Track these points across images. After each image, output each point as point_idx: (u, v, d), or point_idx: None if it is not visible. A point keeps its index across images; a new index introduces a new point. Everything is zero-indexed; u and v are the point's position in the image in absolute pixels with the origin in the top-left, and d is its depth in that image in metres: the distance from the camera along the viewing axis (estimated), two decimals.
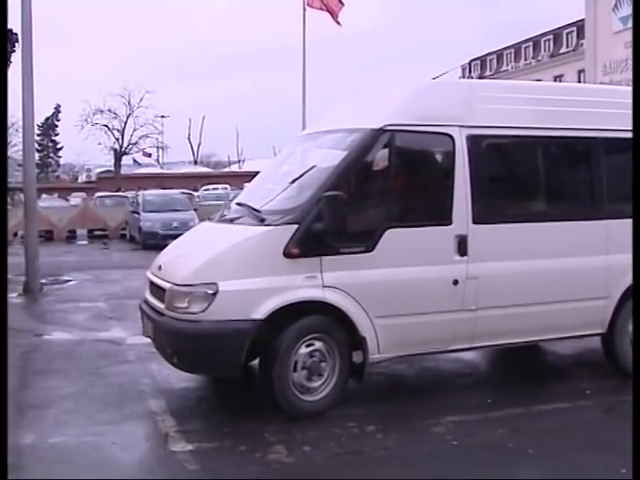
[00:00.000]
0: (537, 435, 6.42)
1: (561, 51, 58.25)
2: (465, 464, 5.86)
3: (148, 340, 7.81)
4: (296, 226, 6.69)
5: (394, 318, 6.98)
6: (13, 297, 14.49)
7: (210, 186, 44.77)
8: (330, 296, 6.73)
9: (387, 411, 7.09)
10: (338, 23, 32.88)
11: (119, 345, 9.98)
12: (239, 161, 73.15)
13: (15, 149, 42.49)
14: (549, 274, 7.54)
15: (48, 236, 28.78)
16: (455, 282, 7.19)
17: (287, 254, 6.65)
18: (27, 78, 14.79)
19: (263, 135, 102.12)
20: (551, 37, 60.19)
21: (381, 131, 7.04)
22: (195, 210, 27.29)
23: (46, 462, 5.98)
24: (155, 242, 21.69)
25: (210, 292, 6.56)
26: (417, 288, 7.06)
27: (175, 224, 23.53)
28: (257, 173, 9.05)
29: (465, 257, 7.22)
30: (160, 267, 7.52)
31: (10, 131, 46.24)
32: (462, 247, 7.20)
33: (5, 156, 5.41)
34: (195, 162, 76.04)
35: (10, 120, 43.53)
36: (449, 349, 7.50)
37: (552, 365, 9.14)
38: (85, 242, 30.00)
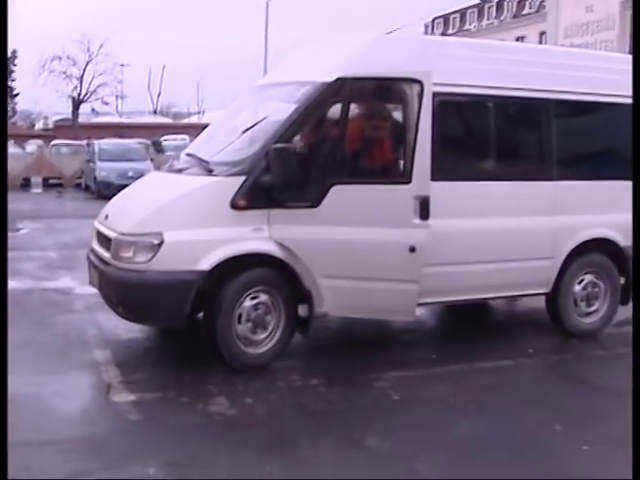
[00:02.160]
0: (478, 391, 6.52)
1: (524, 12, 58.16)
2: (405, 419, 5.93)
3: (96, 290, 7.76)
4: (244, 177, 6.62)
5: (339, 280, 6.87)
6: None
7: (169, 137, 44.33)
8: (276, 249, 6.71)
9: (331, 365, 7.14)
10: None
11: (67, 295, 9.92)
12: (199, 112, 72.41)
13: None
14: (498, 233, 7.57)
15: None
16: (412, 249, 6.89)
17: (234, 206, 6.60)
18: None
19: (224, 87, 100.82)
20: None
21: (332, 84, 6.92)
22: (152, 160, 27.01)
23: None
24: (110, 192, 21.02)
25: (155, 242, 6.51)
26: (365, 252, 6.87)
27: (131, 174, 23.16)
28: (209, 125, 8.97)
29: (426, 221, 6.91)
30: (107, 216, 7.46)
31: None
32: (423, 210, 6.91)
33: (5, 148, 5.34)
34: (155, 112, 75.11)
35: None
36: (399, 318, 7.51)
37: (497, 324, 9.25)
38: (40, 190, 29.57)
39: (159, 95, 76.87)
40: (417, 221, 6.89)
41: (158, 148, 35.80)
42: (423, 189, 6.92)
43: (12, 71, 73.60)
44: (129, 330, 7.92)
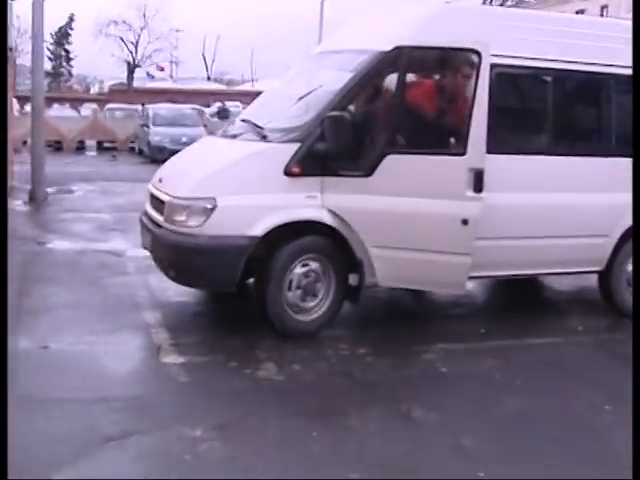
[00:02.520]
0: (526, 367, 6.46)
1: None
2: (452, 392, 5.91)
3: (148, 253, 7.83)
4: (298, 144, 6.61)
5: (390, 250, 6.83)
6: (19, 204, 14.55)
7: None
8: (328, 217, 6.70)
9: (380, 335, 7.13)
10: None
11: (119, 257, 10.01)
12: (252, 80, 72.44)
13: (28, 56, 42.14)
14: (553, 208, 7.46)
15: (57, 146, 28.64)
16: (464, 222, 6.74)
17: (288, 172, 6.60)
18: None
19: (279, 55, 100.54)
20: None
21: (390, 53, 6.84)
22: (205, 126, 27.09)
23: (38, 368, 6.04)
24: (163, 156, 21.09)
25: (208, 206, 6.54)
26: (417, 223, 6.80)
27: (184, 139, 23.21)
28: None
29: (480, 194, 6.76)
30: (161, 180, 7.50)
31: (23, 38, 45.84)
32: (477, 183, 6.76)
33: (5, 147, 5.37)
34: (208, 78, 75.26)
35: (23, 27, 43.16)
36: (450, 291, 7.44)
37: (548, 300, 9.15)
38: (94, 153, 29.90)
39: (213, 62, 77.03)
40: (470, 194, 6.75)
41: (223, 115, 35.51)
42: (478, 161, 6.78)
43: (69, 35, 74.30)
44: (179, 293, 7.98)
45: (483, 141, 6.83)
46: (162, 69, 68.29)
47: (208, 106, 41.41)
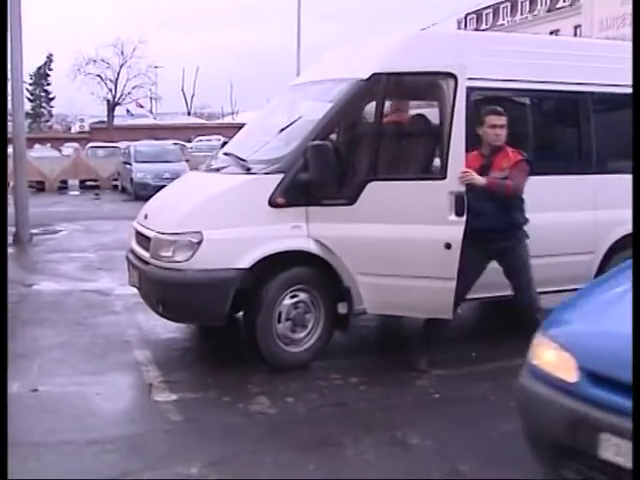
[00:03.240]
0: None
1: (558, 5, 57.76)
2: (447, 417, 5.88)
3: (135, 291, 7.81)
4: (282, 175, 6.63)
5: (376, 277, 6.80)
6: None
7: (203, 137, 44.58)
8: (314, 247, 6.69)
9: (371, 363, 7.12)
10: None
11: (107, 296, 9.98)
12: (233, 113, 72.79)
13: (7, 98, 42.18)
14: (538, 228, 7.45)
15: (40, 187, 28.65)
16: (448, 246, 6.57)
17: (273, 203, 6.60)
18: (15, 24, 14.61)
19: (257, 87, 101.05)
20: None
21: (368, 81, 6.90)
22: (187, 161, 27.15)
23: (31, 411, 5.99)
24: (147, 193, 21.16)
25: (195, 241, 6.53)
26: (401, 248, 6.73)
27: (167, 175, 23.32)
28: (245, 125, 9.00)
29: (462, 217, 6.62)
30: (146, 216, 7.50)
31: None
32: (459, 206, 6.62)
33: (5, 148, 5.39)
34: (189, 113, 75.60)
35: None
36: (439, 316, 7.40)
37: (537, 321, 9.11)
38: (77, 192, 29.88)
39: (193, 96, 77.37)
40: (453, 217, 6.62)
41: None
42: (458, 184, 6.68)
43: (48, 75, 74.42)
44: (168, 330, 7.97)
45: (462, 164, 6.72)
46: (141, 106, 68.54)
47: (189, 141, 41.58)
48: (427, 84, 7.21)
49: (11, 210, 15.57)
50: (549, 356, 4.23)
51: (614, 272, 5.04)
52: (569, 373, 3.97)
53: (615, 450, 3.62)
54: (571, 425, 3.86)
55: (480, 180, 6.50)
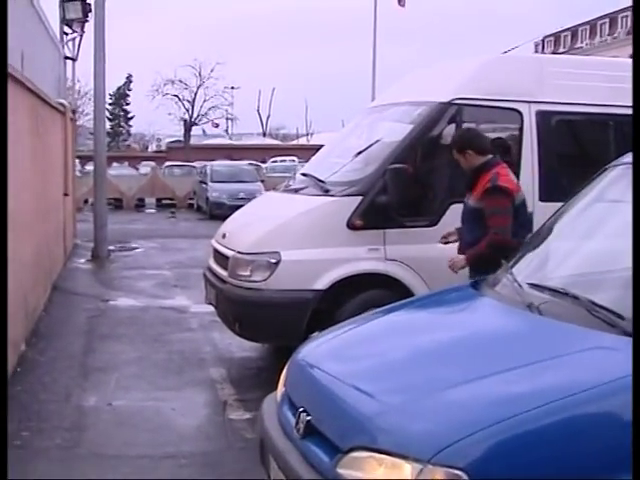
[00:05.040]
0: None
1: None
2: None
3: (211, 309, 7.88)
4: (360, 198, 6.66)
5: None
6: (81, 263, 14.80)
7: (278, 158, 44.93)
8: (392, 269, 6.69)
9: None
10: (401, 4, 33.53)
11: (183, 313, 10.09)
12: (307, 134, 73.17)
13: (87, 118, 43.11)
14: None
15: (117, 204, 29.12)
16: None
17: (350, 226, 6.63)
18: (99, 48, 14.95)
19: (332, 109, 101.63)
20: (628, 14, 58.73)
21: (449, 105, 6.95)
22: (262, 181, 27.39)
23: (108, 424, 6.09)
24: (222, 212, 21.62)
25: (273, 261, 6.59)
26: None
27: (242, 195, 23.52)
28: (323, 146, 9.05)
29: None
30: (224, 235, 7.57)
31: (83, 100, 47.05)
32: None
33: (5, 148, 5.47)
34: (264, 134, 76.21)
35: (83, 89, 44.28)
36: None
37: None
38: (153, 210, 30.34)
39: (268, 117, 77.99)
40: None
41: None
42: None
43: (127, 95, 76.02)
44: (243, 349, 8.03)
45: (532, 187, 6.94)
46: (217, 125, 69.30)
47: (264, 161, 41.91)
48: (500, 112, 7.27)
49: (89, 226, 15.92)
50: None
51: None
52: None
53: None
54: None
55: (462, 262, 6.04)
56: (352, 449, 3.03)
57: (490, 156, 5.99)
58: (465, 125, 7.02)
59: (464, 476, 2.69)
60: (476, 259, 5.79)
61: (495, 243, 5.69)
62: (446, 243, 6.30)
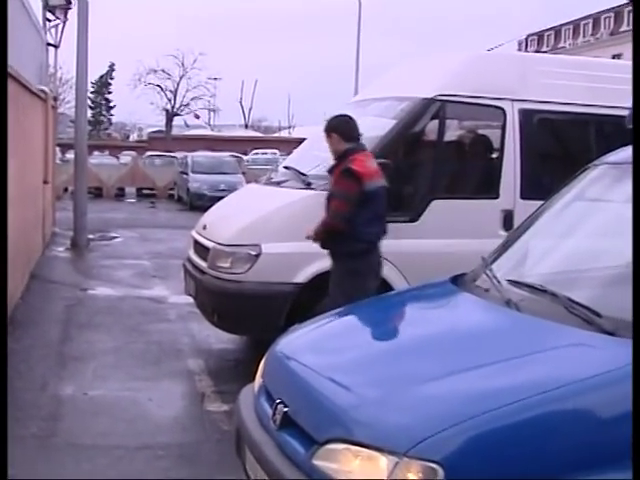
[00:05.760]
0: None
1: (621, 29, 57.10)
2: None
3: (190, 300, 7.88)
4: None
5: None
6: (60, 251, 14.73)
7: (259, 151, 44.90)
8: None
9: None
10: None
11: (161, 303, 10.07)
12: (289, 127, 73.12)
13: (68, 106, 42.85)
14: None
15: (97, 193, 28.97)
16: None
17: None
18: (82, 35, 14.87)
19: (315, 102, 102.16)
20: (612, 15, 59.09)
21: (432, 101, 6.95)
22: (243, 173, 27.36)
23: (84, 414, 6.07)
24: (202, 203, 21.57)
25: (253, 253, 6.58)
26: (461, 261, 6.85)
27: (223, 186, 23.49)
28: (306, 139, 9.04)
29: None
30: (205, 226, 7.56)
31: (64, 88, 46.74)
32: (507, 222, 7.01)
33: (5, 148, 5.42)
34: (246, 126, 76.08)
35: (65, 77, 43.99)
36: None
37: None
38: (133, 200, 30.20)
39: (250, 109, 77.87)
40: (502, 232, 6.82)
41: None
42: (508, 203, 7.08)
43: (109, 84, 75.65)
44: (221, 340, 8.02)
45: (512, 185, 7.15)
46: (198, 117, 69.10)
47: (245, 153, 41.86)
48: (483, 109, 7.30)
49: (68, 215, 15.84)
50: None
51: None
52: None
53: None
54: None
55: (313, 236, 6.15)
56: (328, 441, 3.04)
57: (355, 144, 6.16)
58: (448, 122, 7.06)
59: (440, 470, 2.70)
60: (317, 236, 6.08)
61: (325, 226, 6.00)
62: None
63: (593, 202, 4.46)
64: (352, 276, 5.99)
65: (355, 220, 5.87)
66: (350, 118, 6.35)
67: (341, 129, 6.17)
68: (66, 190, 26.00)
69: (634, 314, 3.09)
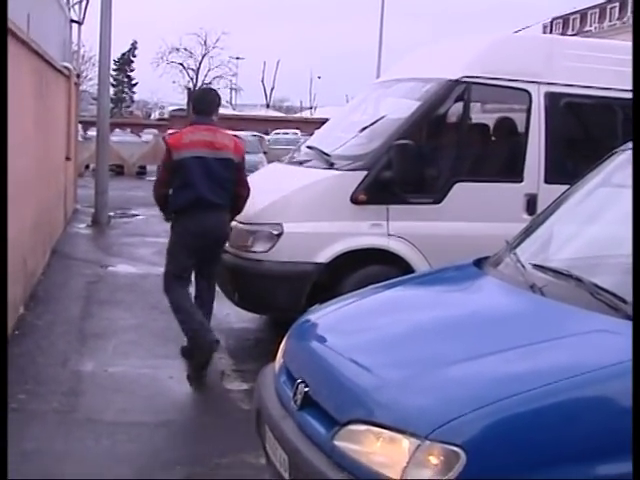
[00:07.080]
0: None
1: None
2: None
3: None
4: (365, 172, 6.64)
5: None
6: (81, 228, 14.79)
7: (281, 130, 44.83)
8: (395, 245, 6.68)
9: None
10: None
11: None
12: (311, 107, 72.97)
13: (90, 83, 42.98)
14: None
15: (119, 170, 29.03)
16: None
17: (354, 200, 6.61)
18: (105, 12, 14.87)
19: (337, 83, 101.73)
20: None
21: (457, 82, 6.89)
22: (265, 153, 27.31)
23: (104, 390, 6.09)
24: None
25: (275, 233, 6.58)
26: (483, 244, 6.83)
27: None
28: (328, 120, 9.01)
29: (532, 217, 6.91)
30: None
31: (87, 65, 46.86)
32: (531, 206, 6.97)
33: (5, 147, 5.43)
34: (267, 106, 76.00)
35: (88, 54, 44.09)
36: None
37: None
38: (154, 178, 30.16)
39: (272, 89, 77.76)
40: (525, 216, 6.80)
41: None
42: (532, 187, 7.03)
43: (131, 62, 75.72)
44: (241, 320, 8.02)
45: (536, 170, 7.09)
46: None
47: (267, 133, 41.77)
48: (509, 92, 7.23)
49: (89, 192, 15.88)
50: None
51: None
52: None
53: None
54: None
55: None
56: (350, 422, 3.03)
57: (201, 116, 6.53)
58: (473, 104, 7.02)
59: (462, 453, 2.69)
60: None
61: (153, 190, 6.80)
62: None
63: (619, 188, 4.40)
64: (170, 236, 6.80)
65: (170, 187, 6.49)
66: (205, 91, 6.67)
67: (195, 101, 6.81)
68: (87, 167, 26.05)
69: (634, 312, 3.07)
